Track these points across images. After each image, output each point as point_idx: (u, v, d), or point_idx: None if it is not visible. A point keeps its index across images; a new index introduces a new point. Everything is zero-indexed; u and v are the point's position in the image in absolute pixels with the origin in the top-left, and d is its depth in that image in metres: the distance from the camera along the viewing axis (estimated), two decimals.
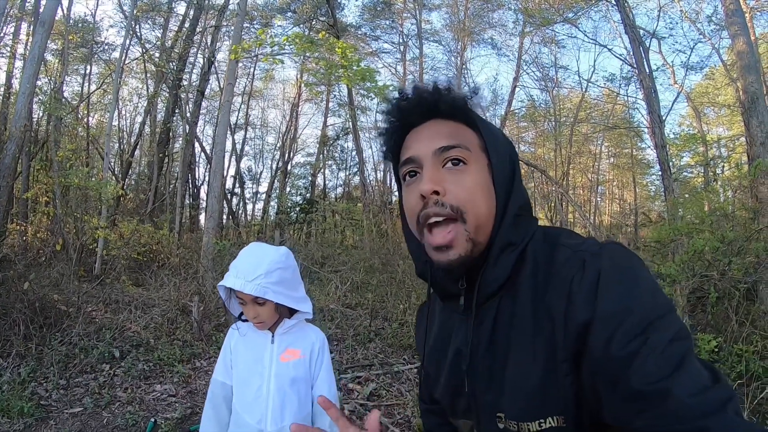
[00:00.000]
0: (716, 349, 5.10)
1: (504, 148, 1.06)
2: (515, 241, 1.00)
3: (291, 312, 2.14)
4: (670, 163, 13.45)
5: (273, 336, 2.11)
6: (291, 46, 9.12)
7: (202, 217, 20.40)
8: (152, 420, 4.60)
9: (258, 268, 1.96)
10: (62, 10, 14.49)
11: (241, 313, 2.15)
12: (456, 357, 1.10)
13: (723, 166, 20.52)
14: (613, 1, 13.26)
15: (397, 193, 1.21)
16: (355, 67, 9.03)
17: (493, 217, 1.01)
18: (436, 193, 0.99)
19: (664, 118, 13.44)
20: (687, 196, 14.64)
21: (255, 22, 20.68)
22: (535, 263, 0.98)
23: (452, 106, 1.05)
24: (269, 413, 2.04)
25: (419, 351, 1.31)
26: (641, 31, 14.17)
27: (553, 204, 24.59)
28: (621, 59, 17.14)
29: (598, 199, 32.78)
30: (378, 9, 24.19)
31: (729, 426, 0.72)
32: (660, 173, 13.30)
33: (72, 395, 5.09)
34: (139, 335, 6.48)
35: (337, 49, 8.78)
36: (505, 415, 0.96)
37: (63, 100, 15.59)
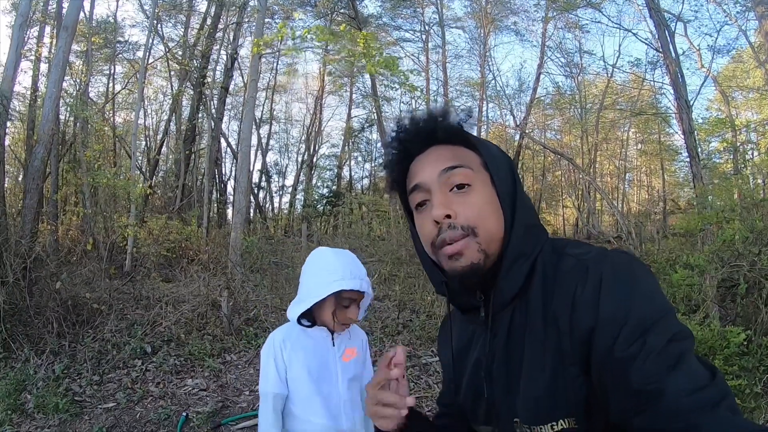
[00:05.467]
0: (746, 342, 5.01)
1: (502, 163, 1.10)
2: (526, 252, 1.06)
3: None
4: (699, 149, 13.24)
5: (333, 339, 2.15)
6: (312, 38, 9.13)
7: (229, 212, 20.58)
8: (184, 414, 4.68)
9: (361, 269, 2.07)
10: (84, 12, 14.64)
11: (300, 319, 2.13)
12: (476, 365, 1.15)
13: (753, 152, 20.14)
14: None
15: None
16: (377, 57, 9.01)
17: (503, 230, 1.06)
18: (448, 216, 1.04)
19: (691, 102, 13.22)
20: (716, 182, 14.40)
21: (276, 17, 20.75)
22: (544, 273, 1.03)
23: (449, 132, 1.11)
24: (343, 413, 2.09)
25: (442, 363, 1.38)
26: (666, 15, 13.94)
27: (580, 192, 24.39)
28: (646, 43, 16.85)
29: (626, 186, 32.38)
30: None
31: (722, 422, 0.74)
32: (688, 160, 13.11)
33: (105, 391, 5.18)
34: (170, 331, 6.55)
35: (359, 40, 8.76)
36: (521, 419, 1.01)
37: (89, 101, 15.79)
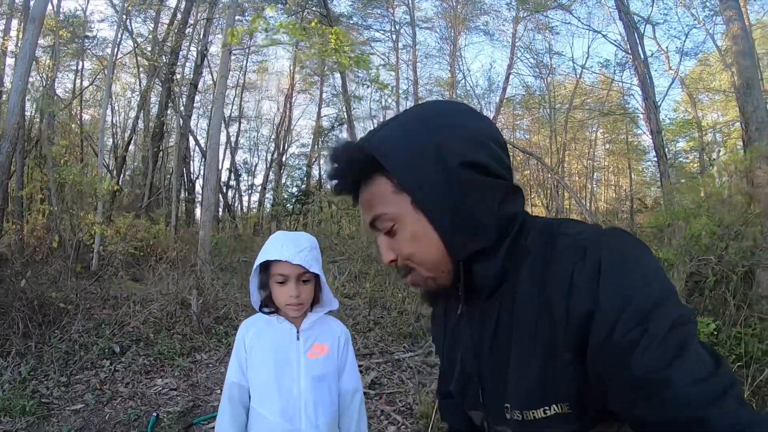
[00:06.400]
0: (715, 332, 5.13)
1: (424, 170, 0.96)
2: (487, 247, 0.99)
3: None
4: (666, 149, 13.47)
5: (298, 332, 2.01)
6: (285, 32, 9.08)
7: (198, 211, 20.38)
8: (154, 414, 4.60)
9: (301, 243, 1.93)
10: (52, 6, 14.39)
11: (262, 306, 2.07)
12: (465, 352, 1.13)
13: (719, 152, 20.56)
14: None
15: None
16: (350, 54, 8.99)
17: (446, 248, 0.99)
18: (393, 260, 1.04)
19: (659, 103, 13.47)
20: (683, 181, 14.67)
21: (246, 15, 20.60)
22: (535, 255, 0.97)
23: (363, 170, 1.02)
24: (303, 413, 1.94)
25: (437, 349, 1.34)
26: (635, 17, 14.17)
27: (549, 191, 24.64)
28: (615, 45, 17.22)
29: (594, 185, 32.81)
30: None
31: (729, 414, 0.72)
32: (656, 159, 13.33)
33: (73, 392, 5.07)
34: (139, 330, 6.45)
35: (330, 36, 8.74)
36: (511, 405, 0.98)
37: (55, 97, 15.50)
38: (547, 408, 0.92)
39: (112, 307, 7.24)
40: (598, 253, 0.88)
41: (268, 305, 2.05)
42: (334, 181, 1.06)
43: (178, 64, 17.99)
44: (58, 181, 11.69)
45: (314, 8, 20.28)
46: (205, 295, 7.41)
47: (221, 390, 5.14)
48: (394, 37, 26.22)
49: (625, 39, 13.78)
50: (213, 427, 4.47)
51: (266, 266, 1.98)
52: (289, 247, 1.89)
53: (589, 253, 0.89)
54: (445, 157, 0.95)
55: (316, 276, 2.00)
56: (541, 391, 0.92)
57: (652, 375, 0.76)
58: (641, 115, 16.00)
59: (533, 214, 1.12)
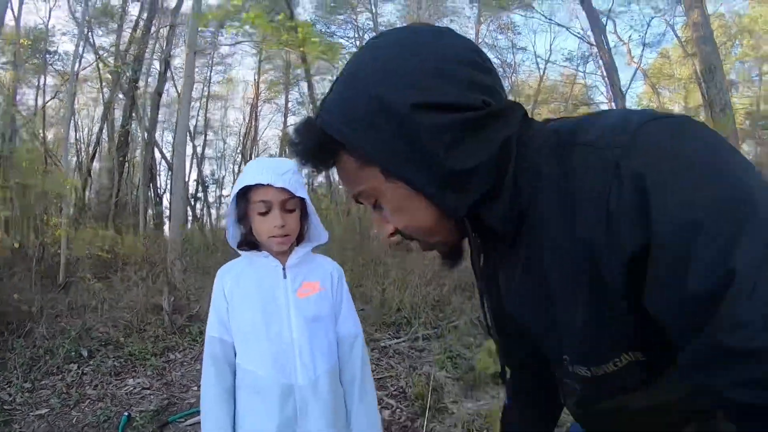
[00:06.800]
0: None
1: (385, 134, 0.77)
2: (484, 190, 0.80)
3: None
4: None
5: (284, 269, 1.77)
6: (250, 27, 9.02)
7: (166, 228, 20.13)
8: (125, 414, 4.36)
9: (283, 166, 1.68)
10: (13, 14, 14.23)
11: (240, 244, 1.82)
12: (511, 306, 0.98)
13: None
14: None
15: None
16: (318, 44, 8.92)
17: (438, 209, 0.82)
18: (393, 233, 0.90)
19: (624, 92, 13.65)
20: None
21: (209, 26, 20.52)
22: (549, 179, 0.75)
23: (325, 149, 0.86)
24: (298, 362, 1.70)
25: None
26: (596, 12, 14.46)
27: None
28: (579, 37, 17.48)
29: None
30: (332, 5, 24.11)
31: None
32: None
33: (38, 397, 4.84)
34: (108, 334, 6.20)
35: (300, 31, 8.67)
36: (570, 358, 0.86)
37: (17, 112, 15.22)
38: (616, 359, 0.77)
39: (80, 314, 6.97)
40: (636, 166, 0.64)
41: (248, 243, 1.81)
42: (307, 167, 0.91)
43: (142, 72, 17.78)
44: (20, 183, 11.35)
45: (278, 17, 20.35)
46: (176, 294, 7.18)
47: (198, 387, 4.92)
48: (357, 43, 26.31)
49: (588, 30, 13.99)
50: (190, 425, 4.29)
51: (245, 196, 1.74)
52: (270, 170, 1.65)
53: (624, 167, 0.64)
54: (391, 106, 0.76)
55: (302, 206, 1.78)
56: (597, 344, 0.78)
57: (746, 344, 0.52)
58: (606, 105, 16.32)
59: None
